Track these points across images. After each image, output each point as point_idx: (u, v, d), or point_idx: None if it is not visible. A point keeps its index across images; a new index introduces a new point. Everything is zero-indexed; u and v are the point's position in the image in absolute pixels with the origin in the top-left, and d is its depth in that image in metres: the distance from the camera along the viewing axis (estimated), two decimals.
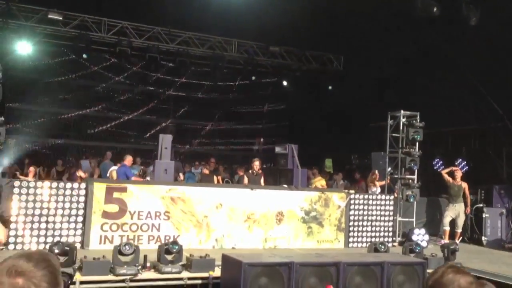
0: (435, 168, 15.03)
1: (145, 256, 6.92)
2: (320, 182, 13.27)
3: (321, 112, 19.09)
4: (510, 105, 12.12)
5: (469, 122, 14.00)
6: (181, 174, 13.41)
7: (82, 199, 8.52)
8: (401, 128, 11.83)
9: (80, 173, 12.53)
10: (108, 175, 11.94)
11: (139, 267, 6.66)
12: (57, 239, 7.86)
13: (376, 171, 12.35)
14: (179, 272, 6.78)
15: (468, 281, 1.87)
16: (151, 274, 6.76)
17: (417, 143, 11.65)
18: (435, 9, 11.46)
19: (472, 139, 15.06)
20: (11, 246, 8.06)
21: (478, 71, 12.88)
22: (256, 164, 11.41)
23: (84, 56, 16.43)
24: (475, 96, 13.11)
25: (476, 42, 11.90)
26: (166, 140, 10.47)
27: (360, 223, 10.67)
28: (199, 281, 6.83)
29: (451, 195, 11.63)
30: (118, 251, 6.66)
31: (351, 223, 10.58)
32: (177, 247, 6.95)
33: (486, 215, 12.10)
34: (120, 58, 17.08)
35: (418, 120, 11.64)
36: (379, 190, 12.12)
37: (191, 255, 7.05)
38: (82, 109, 18.51)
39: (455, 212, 11.50)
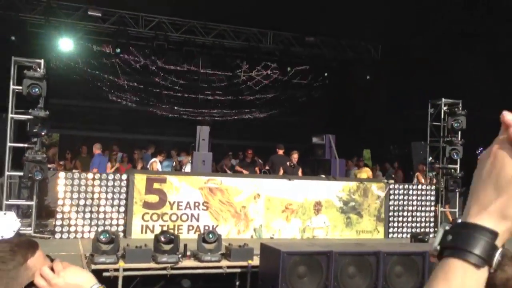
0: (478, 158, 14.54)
1: (185, 245, 7.03)
2: (367, 173, 13.09)
3: (359, 102, 18.79)
4: None
5: None
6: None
7: (124, 189, 8.77)
8: (442, 116, 11.53)
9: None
10: (148, 166, 12.18)
11: (180, 256, 6.79)
12: (101, 228, 8.10)
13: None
14: (219, 261, 6.87)
15: None
16: (191, 263, 6.89)
17: (459, 132, 11.32)
18: None
19: None
20: (57, 235, 8.37)
21: None
22: (295, 156, 11.32)
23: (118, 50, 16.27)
24: None
25: None
26: (203, 132, 10.56)
27: (400, 214, 10.49)
28: (238, 270, 6.90)
29: None
30: (158, 239, 6.80)
31: (390, 214, 10.42)
32: (214, 236, 7.04)
33: None
34: (157, 53, 17.25)
35: (461, 108, 11.31)
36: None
37: (230, 244, 7.12)
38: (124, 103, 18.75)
39: None
